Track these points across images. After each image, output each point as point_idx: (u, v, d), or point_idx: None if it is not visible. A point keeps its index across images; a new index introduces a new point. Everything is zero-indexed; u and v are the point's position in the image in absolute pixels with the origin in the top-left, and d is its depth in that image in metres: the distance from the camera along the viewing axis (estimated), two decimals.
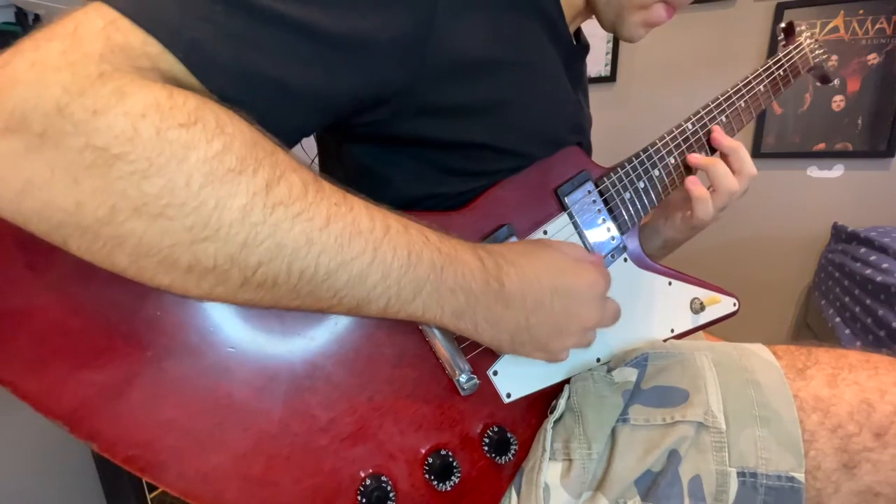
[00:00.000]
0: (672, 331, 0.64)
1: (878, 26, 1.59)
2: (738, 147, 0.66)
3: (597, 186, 0.60)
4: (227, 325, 0.41)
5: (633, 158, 0.63)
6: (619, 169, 0.62)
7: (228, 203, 0.30)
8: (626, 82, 1.95)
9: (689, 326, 0.65)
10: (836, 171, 1.73)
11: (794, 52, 0.78)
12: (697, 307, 0.65)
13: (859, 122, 1.66)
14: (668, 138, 0.65)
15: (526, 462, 0.52)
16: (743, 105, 0.70)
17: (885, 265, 1.28)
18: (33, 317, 0.35)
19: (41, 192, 0.28)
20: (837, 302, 1.48)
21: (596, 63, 1.93)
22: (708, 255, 1.93)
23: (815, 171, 1.76)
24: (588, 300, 0.49)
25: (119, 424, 0.37)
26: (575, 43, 0.66)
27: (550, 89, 0.56)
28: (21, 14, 1.10)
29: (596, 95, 1.97)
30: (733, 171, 0.65)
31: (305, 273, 0.33)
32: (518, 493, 0.51)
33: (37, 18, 1.12)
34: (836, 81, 1.64)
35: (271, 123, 0.35)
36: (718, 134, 0.66)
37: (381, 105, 0.45)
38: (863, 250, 1.43)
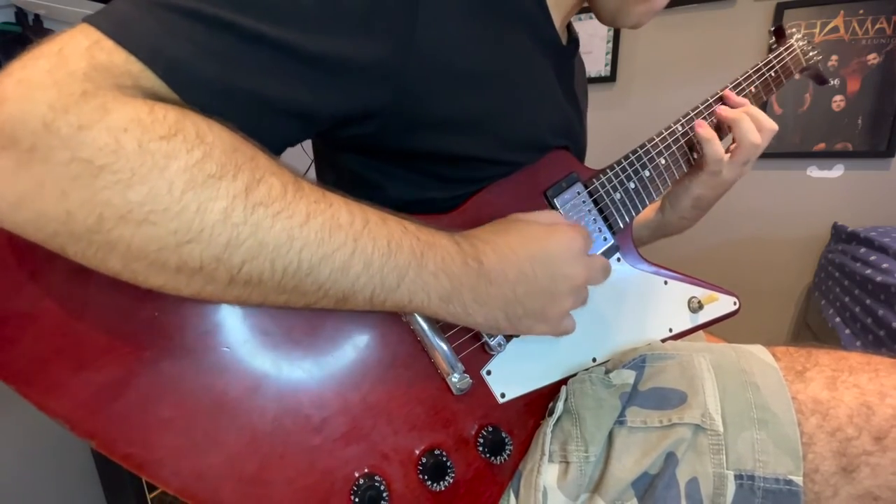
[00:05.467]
0: (670, 330, 0.64)
1: (878, 26, 1.59)
2: (742, 114, 0.66)
3: (586, 188, 0.60)
4: (223, 325, 0.41)
5: (623, 160, 0.63)
6: (608, 171, 0.62)
7: (210, 206, 0.31)
8: (626, 82, 1.94)
9: (688, 326, 0.65)
10: (836, 171, 1.73)
11: (785, 54, 0.78)
12: (695, 306, 0.65)
13: (859, 122, 1.66)
14: (657, 139, 0.66)
15: (524, 464, 0.52)
16: None
17: (885, 265, 1.28)
18: (36, 319, 0.36)
19: (34, 205, 0.29)
20: (837, 302, 1.48)
21: (596, 63, 1.93)
22: (708, 255, 1.93)
23: (815, 171, 1.75)
24: (569, 259, 0.49)
25: (117, 423, 0.37)
26: (565, 40, 0.66)
27: (536, 96, 0.57)
28: (21, 14, 1.10)
29: (596, 95, 1.97)
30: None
31: (289, 269, 0.35)
32: (516, 496, 0.51)
33: (37, 18, 1.12)
34: (835, 81, 1.64)
35: (253, 136, 0.36)
36: (723, 110, 0.68)
37: (365, 120, 0.46)
38: (863, 250, 1.43)
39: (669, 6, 1.79)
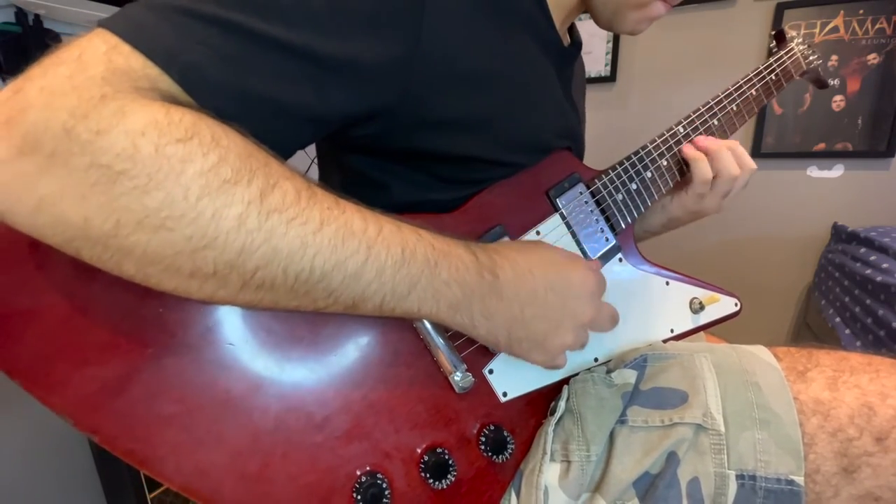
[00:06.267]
0: (672, 331, 0.64)
1: (878, 26, 1.59)
2: (721, 145, 0.67)
3: (588, 188, 0.60)
4: (226, 322, 0.41)
5: (625, 161, 0.64)
6: (610, 171, 0.63)
7: (225, 213, 0.31)
8: (626, 82, 1.95)
9: (690, 326, 0.65)
10: (836, 171, 1.73)
11: (785, 58, 0.79)
12: (697, 307, 0.65)
13: (859, 122, 1.66)
14: (658, 141, 0.66)
15: (525, 463, 0.52)
16: (735, 109, 0.72)
17: (885, 265, 1.28)
18: (42, 315, 0.36)
19: (53, 209, 0.30)
20: (837, 302, 1.48)
21: (596, 63, 1.93)
22: (708, 255, 1.93)
23: (815, 171, 1.76)
24: (581, 295, 0.49)
25: (120, 418, 0.37)
26: (566, 43, 0.66)
27: (539, 98, 0.57)
28: (21, 14, 1.09)
29: (596, 95, 1.98)
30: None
31: (301, 275, 0.35)
32: (518, 495, 0.51)
33: (37, 18, 1.12)
34: (835, 81, 1.65)
35: (265, 138, 0.36)
36: (688, 148, 0.67)
37: (372, 120, 0.47)
38: (863, 250, 1.43)
39: None
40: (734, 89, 0.73)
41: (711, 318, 0.66)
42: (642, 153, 0.65)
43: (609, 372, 0.56)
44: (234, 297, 0.35)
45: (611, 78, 1.94)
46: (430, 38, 0.44)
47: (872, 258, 1.35)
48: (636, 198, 0.63)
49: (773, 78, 0.76)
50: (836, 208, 1.74)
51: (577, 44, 0.68)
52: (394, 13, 0.41)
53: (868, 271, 1.32)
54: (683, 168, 0.68)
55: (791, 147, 1.75)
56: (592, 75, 1.95)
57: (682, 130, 0.68)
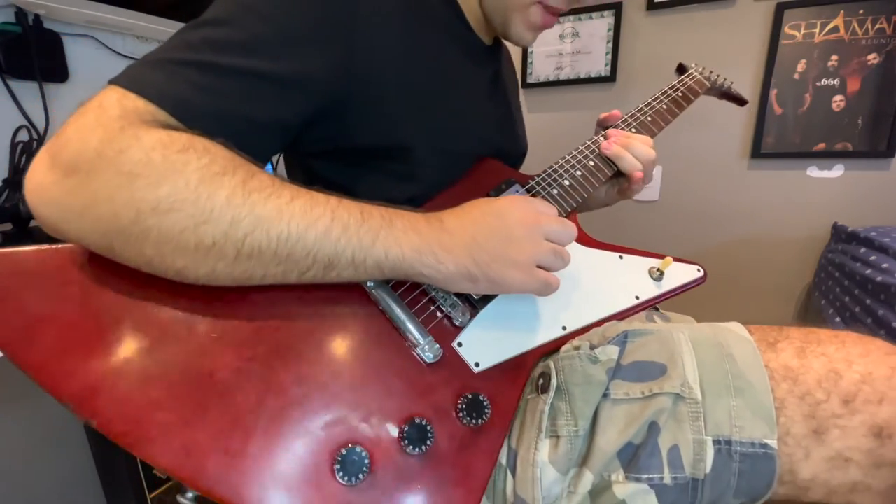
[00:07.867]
0: (637, 297, 0.66)
1: (878, 26, 1.59)
2: (630, 141, 0.74)
3: (523, 186, 0.69)
4: (209, 315, 0.47)
5: (554, 164, 0.72)
6: (542, 173, 0.70)
7: (217, 194, 0.42)
8: (626, 82, 1.96)
9: (655, 293, 0.67)
10: (836, 171, 1.73)
11: (687, 79, 0.92)
12: (657, 274, 0.67)
13: (859, 122, 1.65)
14: (582, 147, 0.75)
15: (519, 442, 0.54)
16: (649, 119, 0.82)
17: (885, 265, 1.27)
18: (56, 322, 0.43)
19: (92, 211, 0.41)
20: (837, 302, 1.48)
21: (596, 63, 1.94)
22: (708, 255, 1.93)
23: (815, 171, 1.75)
24: (514, 207, 0.54)
25: (115, 403, 0.41)
26: (489, 43, 0.75)
27: (464, 93, 0.69)
28: (21, 14, 1.09)
29: (596, 95, 2.00)
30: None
31: (281, 236, 0.44)
32: (514, 475, 0.53)
33: (37, 18, 1.12)
34: (835, 81, 1.65)
35: (243, 149, 0.47)
36: (605, 145, 0.75)
37: (328, 119, 0.57)
38: (863, 250, 1.42)
39: (669, 6, 1.80)
40: (645, 105, 0.83)
41: (676, 284, 0.68)
42: (568, 157, 0.73)
43: (593, 348, 0.57)
44: (232, 268, 0.44)
45: (611, 78, 1.95)
46: (364, 44, 0.55)
47: (872, 258, 1.35)
48: (571, 191, 0.69)
49: (679, 94, 0.87)
50: (836, 208, 1.73)
51: (498, 40, 0.79)
52: (328, 28, 0.52)
53: (868, 271, 1.32)
54: (611, 164, 0.74)
55: (791, 147, 1.75)
56: (592, 75, 1.96)
57: (602, 140, 0.75)
